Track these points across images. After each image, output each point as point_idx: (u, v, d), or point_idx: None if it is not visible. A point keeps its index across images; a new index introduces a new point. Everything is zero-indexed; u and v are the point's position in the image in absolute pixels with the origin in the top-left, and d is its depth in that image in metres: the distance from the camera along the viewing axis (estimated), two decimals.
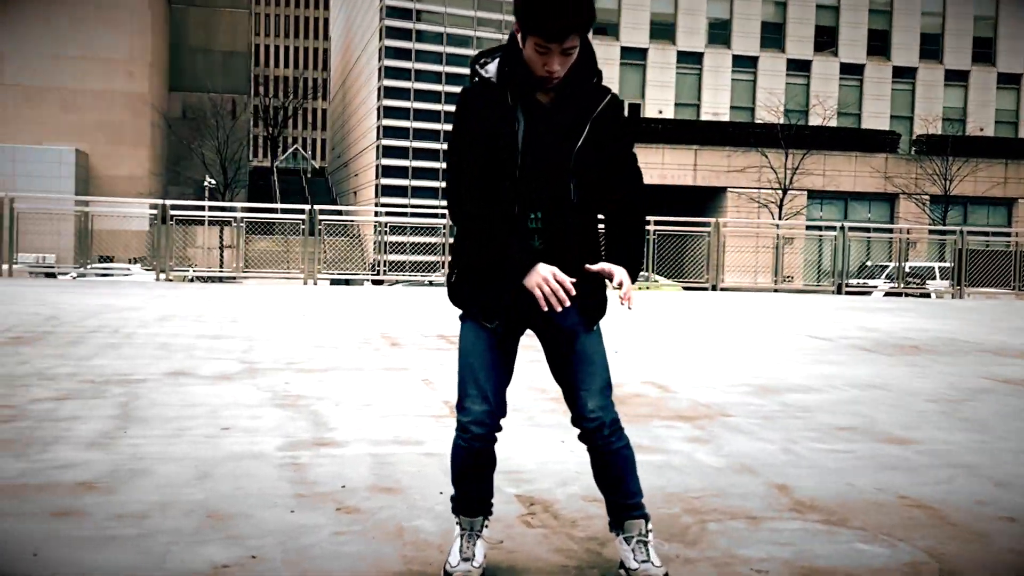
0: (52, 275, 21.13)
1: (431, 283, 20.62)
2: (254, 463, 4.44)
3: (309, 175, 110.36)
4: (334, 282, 21.35)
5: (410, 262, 22.66)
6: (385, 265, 19.83)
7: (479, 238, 2.98)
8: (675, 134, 49.31)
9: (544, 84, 2.93)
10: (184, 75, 64.45)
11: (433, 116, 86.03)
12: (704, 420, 5.83)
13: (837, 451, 5.15)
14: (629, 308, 3.02)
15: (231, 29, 68.04)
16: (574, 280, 2.92)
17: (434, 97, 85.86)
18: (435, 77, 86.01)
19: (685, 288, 21.12)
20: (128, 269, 24.30)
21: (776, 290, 21.75)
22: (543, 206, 2.98)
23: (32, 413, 5.34)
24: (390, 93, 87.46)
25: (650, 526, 3.16)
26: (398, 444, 4.92)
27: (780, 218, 43.11)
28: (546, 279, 2.89)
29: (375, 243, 19.00)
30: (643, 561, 3.09)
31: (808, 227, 37.38)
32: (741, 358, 8.71)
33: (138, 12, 54.22)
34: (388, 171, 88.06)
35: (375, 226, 18.92)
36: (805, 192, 47.63)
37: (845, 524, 3.85)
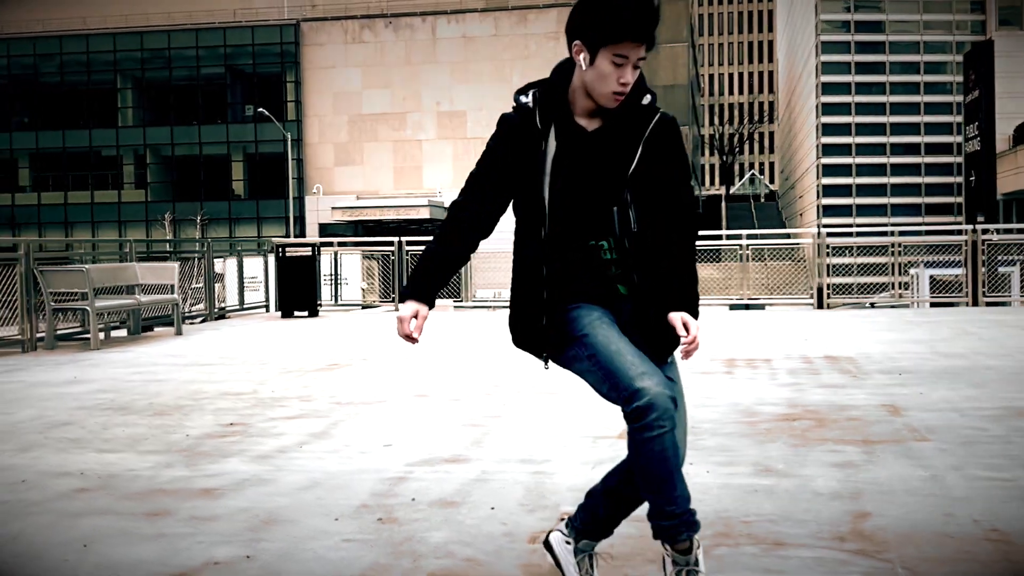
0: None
1: (872, 305, 19.73)
2: (363, 476, 4.85)
3: (761, 200, 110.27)
4: (737, 307, 20.45)
5: (857, 284, 21.93)
6: (829, 288, 19.12)
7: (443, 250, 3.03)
8: None
9: (605, 103, 2.84)
10: None
11: (878, 129, 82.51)
12: (889, 444, 5.42)
13: (998, 479, 4.63)
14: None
15: (671, 64, 69.86)
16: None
17: (878, 109, 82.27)
18: (878, 88, 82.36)
19: None
20: None
21: None
22: (609, 235, 2.92)
23: (251, 430, 6.12)
24: (828, 110, 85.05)
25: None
26: (520, 463, 5.09)
27: None
28: (401, 320, 2.96)
29: (817, 266, 18.34)
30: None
31: None
32: None
33: None
34: (829, 190, 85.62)
35: (816, 248, 18.29)
36: None
37: (875, 555, 3.56)
